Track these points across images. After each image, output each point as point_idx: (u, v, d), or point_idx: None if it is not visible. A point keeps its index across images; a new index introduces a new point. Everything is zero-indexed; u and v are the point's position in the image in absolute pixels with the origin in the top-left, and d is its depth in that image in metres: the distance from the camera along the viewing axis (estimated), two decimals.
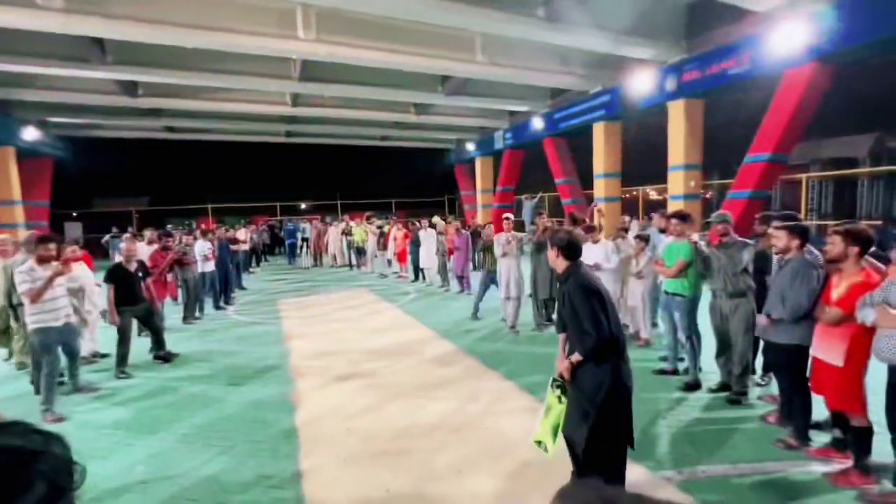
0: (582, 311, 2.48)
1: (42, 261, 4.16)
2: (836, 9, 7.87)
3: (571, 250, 2.67)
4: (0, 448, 0.36)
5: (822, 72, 8.81)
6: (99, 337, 5.87)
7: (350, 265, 13.64)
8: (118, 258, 9.36)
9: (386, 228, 12.07)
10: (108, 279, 5.14)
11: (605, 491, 0.39)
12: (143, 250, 7.25)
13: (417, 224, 10.55)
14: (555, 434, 2.58)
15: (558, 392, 2.63)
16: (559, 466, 3.06)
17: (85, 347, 5.66)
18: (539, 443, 2.64)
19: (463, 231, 9.57)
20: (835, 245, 2.77)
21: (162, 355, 5.56)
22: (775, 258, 3.62)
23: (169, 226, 12.43)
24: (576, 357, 2.51)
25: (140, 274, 5.38)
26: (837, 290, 2.78)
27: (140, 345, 5.87)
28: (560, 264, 2.70)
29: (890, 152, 14.28)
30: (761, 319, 3.31)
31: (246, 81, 11.83)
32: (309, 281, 11.94)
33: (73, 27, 7.96)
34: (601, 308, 2.45)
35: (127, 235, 5.86)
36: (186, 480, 3.07)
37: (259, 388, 4.66)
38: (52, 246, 4.26)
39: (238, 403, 4.30)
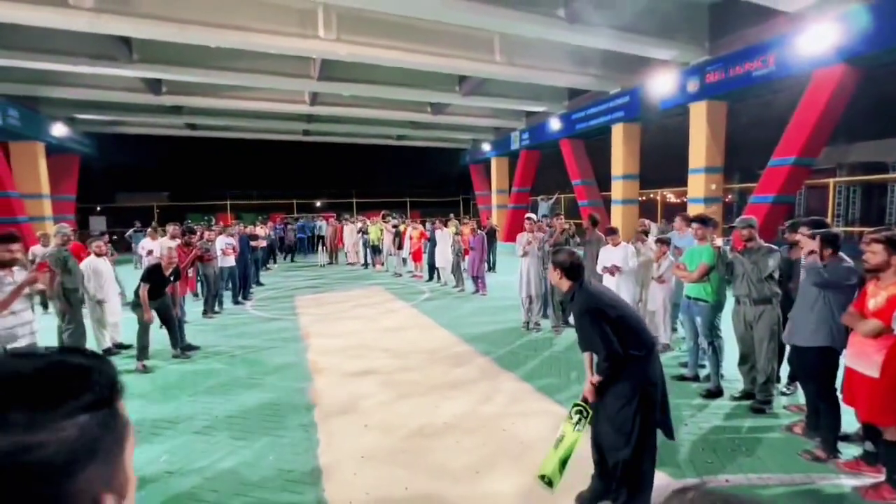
0: (591, 333, 2.43)
1: (2, 265, 3.35)
2: (868, 10, 7.64)
3: (573, 271, 2.58)
4: (62, 362, 0.46)
5: (851, 74, 8.58)
6: (122, 328, 6.02)
7: (365, 264, 13.73)
8: (142, 252, 9.62)
9: (402, 227, 12.11)
10: (144, 278, 5.29)
11: (720, 492, 0.40)
12: (166, 245, 7.42)
13: (437, 223, 10.56)
14: (563, 467, 2.45)
15: (577, 418, 2.51)
16: (577, 469, 3.03)
17: (108, 338, 5.84)
18: (543, 477, 2.46)
19: (479, 231, 9.55)
20: (876, 253, 2.68)
21: (177, 354, 5.59)
22: (804, 261, 3.53)
23: (189, 221, 12.66)
24: (595, 378, 2.47)
25: (172, 278, 5.53)
26: (875, 299, 2.69)
27: (161, 336, 6.01)
28: (563, 284, 2.63)
29: None
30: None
31: (266, 80, 12.00)
32: (324, 278, 12.05)
33: (101, 26, 8.17)
34: (611, 326, 2.40)
35: (171, 245, 5.99)
36: (208, 472, 3.13)
37: (278, 383, 4.72)
38: (16, 247, 3.43)
39: (257, 398, 4.36)
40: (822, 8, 7.99)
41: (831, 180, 11.62)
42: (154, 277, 5.33)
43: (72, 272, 5.12)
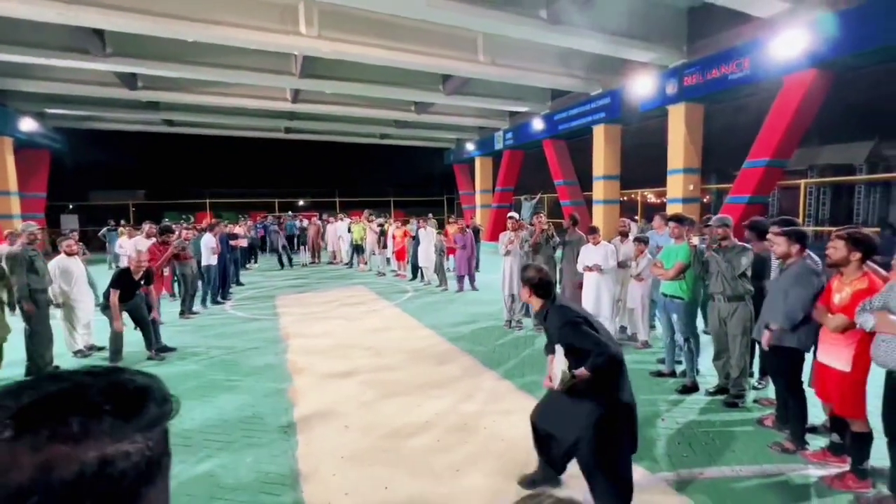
0: (580, 342, 2.38)
1: None
2: (837, 17, 7.92)
3: (543, 288, 2.52)
4: (126, 379, 0.48)
5: (822, 78, 8.88)
6: (94, 330, 5.84)
7: (349, 263, 13.62)
8: (119, 251, 9.35)
9: (387, 227, 12.05)
10: (114, 284, 5.13)
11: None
12: (142, 244, 7.22)
13: (421, 222, 10.54)
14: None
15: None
16: None
17: (80, 341, 5.65)
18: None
19: (468, 230, 9.57)
20: (837, 249, 2.78)
21: (152, 355, 5.44)
22: (774, 263, 3.64)
23: (166, 220, 12.35)
24: (582, 371, 2.39)
25: (143, 282, 5.39)
26: (840, 295, 2.79)
27: (135, 338, 5.85)
28: (535, 302, 2.56)
29: (886, 160, 14.39)
30: (764, 338, 3.27)
31: (246, 76, 11.79)
32: (307, 278, 11.91)
33: (72, 17, 7.91)
34: (595, 331, 2.41)
35: (141, 250, 5.81)
36: (183, 476, 3.06)
37: (257, 385, 4.64)
38: None
39: (235, 400, 4.28)
40: (794, 14, 8.25)
41: (802, 181, 12.00)
42: (124, 282, 5.18)
43: (39, 272, 4.94)
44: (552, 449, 2.67)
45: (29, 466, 0.39)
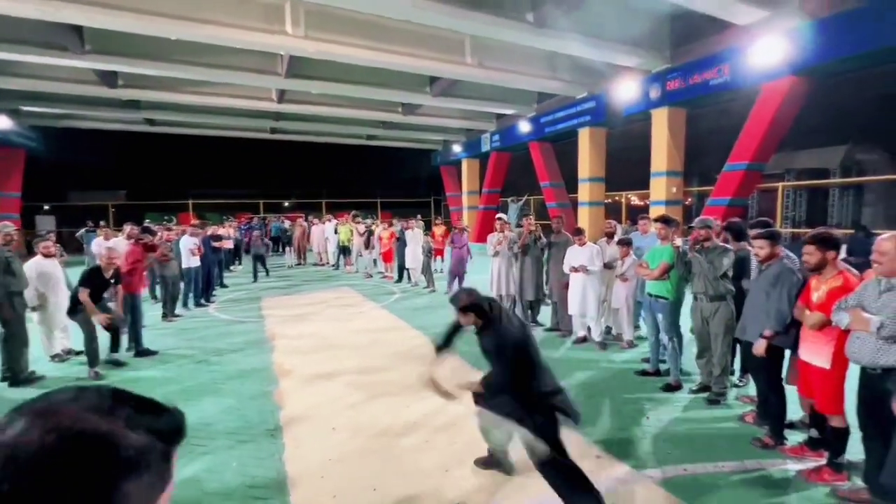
0: (513, 365, 2.44)
1: None
2: (813, 26, 8.18)
3: (473, 310, 2.54)
4: (152, 399, 0.57)
5: (799, 85, 9.15)
6: (71, 333, 5.68)
7: (336, 265, 13.52)
8: (96, 249, 9.10)
9: (374, 228, 12.00)
10: (83, 282, 4.97)
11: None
12: (121, 245, 7.05)
13: (409, 223, 10.53)
14: None
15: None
16: None
17: (57, 345, 5.50)
18: None
19: (466, 230, 9.60)
20: (811, 254, 2.88)
21: (92, 375, 4.94)
22: (754, 263, 3.74)
23: (148, 221, 12.06)
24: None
25: (113, 280, 5.24)
26: (818, 293, 2.89)
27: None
28: (471, 320, 2.57)
29: (859, 164, 14.89)
30: (758, 347, 3.26)
31: (231, 76, 11.64)
32: (292, 279, 11.78)
33: (51, 14, 7.72)
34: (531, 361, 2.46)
35: (110, 245, 5.61)
36: None
37: (242, 387, 4.58)
38: None
39: (220, 403, 4.22)
40: (772, 22, 8.50)
41: (780, 185, 12.34)
42: (94, 280, 5.03)
43: (16, 275, 4.79)
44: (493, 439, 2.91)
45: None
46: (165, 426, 0.55)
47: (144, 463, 0.50)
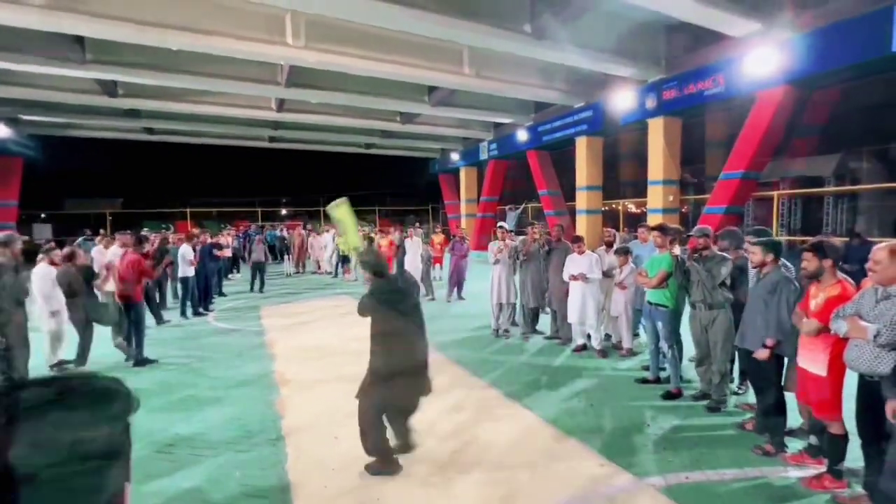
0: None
1: None
2: (807, 37, 8.33)
3: (371, 267, 3.39)
4: (99, 383, 0.62)
5: (792, 95, 9.29)
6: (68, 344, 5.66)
7: (335, 273, 13.52)
8: (96, 257, 9.07)
9: (373, 236, 12.01)
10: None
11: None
12: (115, 254, 7.02)
13: (409, 231, 10.60)
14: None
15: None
16: (549, 475, 3.10)
17: (60, 353, 5.48)
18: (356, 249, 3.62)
19: (467, 239, 9.70)
20: (809, 261, 2.93)
21: (79, 361, 5.27)
22: (752, 272, 3.79)
23: (145, 229, 12.04)
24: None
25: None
26: (816, 300, 2.93)
27: (115, 350, 5.71)
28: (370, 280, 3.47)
29: (853, 172, 15.05)
30: (761, 354, 3.30)
31: (230, 85, 11.70)
32: (291, 287, 11.77)
33: (53, 24, 7.77)
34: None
35: (113, 263, 5.78)
36: (170, 491, 2.99)
37: (243, 396, 4.57)
38: None
39: (221, 412, 4.21)
40: (765, 34, 8.65)
41: (775, 193, 12.46)
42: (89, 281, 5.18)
43: (21, 284, 4.77)
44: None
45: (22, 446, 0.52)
46: (120, 412, 0.61)
47: (115, 445, 0.59)
